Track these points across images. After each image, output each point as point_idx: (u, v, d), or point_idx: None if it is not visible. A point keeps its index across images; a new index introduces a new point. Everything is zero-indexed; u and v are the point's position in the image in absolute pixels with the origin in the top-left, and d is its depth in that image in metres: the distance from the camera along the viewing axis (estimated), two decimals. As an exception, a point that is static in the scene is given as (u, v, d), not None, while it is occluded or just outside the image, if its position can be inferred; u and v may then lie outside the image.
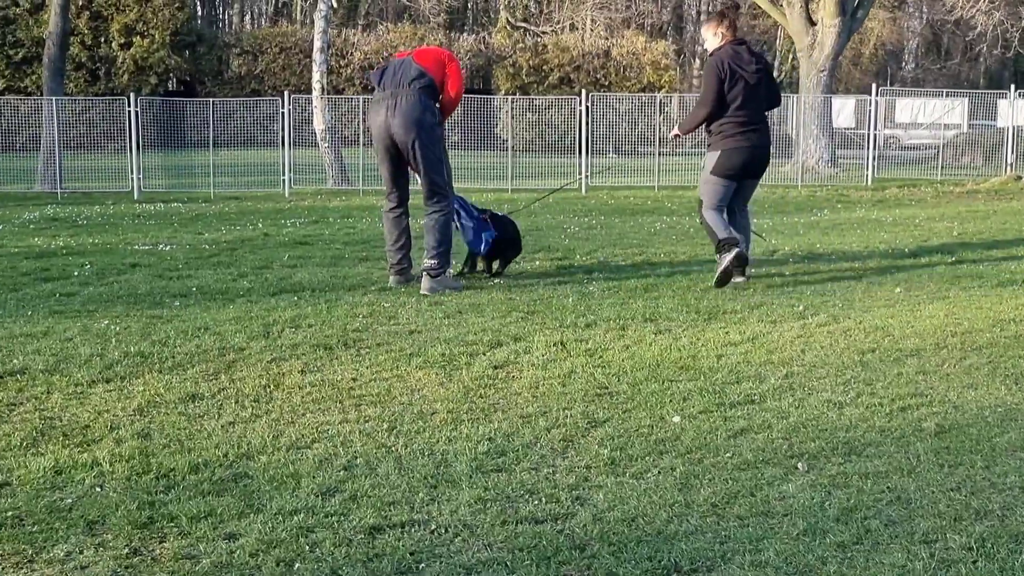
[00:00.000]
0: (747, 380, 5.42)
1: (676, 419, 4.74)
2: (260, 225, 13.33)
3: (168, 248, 10.82)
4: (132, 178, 19.62)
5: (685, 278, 8.61)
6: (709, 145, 8.40)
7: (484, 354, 5.99)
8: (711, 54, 8.38)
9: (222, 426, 4.68)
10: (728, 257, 8.07)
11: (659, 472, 4.09)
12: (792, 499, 3.80)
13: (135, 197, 18.89)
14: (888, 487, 3.91)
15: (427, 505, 3.76)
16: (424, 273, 8.10)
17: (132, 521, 3.57)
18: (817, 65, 23.79)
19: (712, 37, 8.37)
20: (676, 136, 9.15)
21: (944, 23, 51.19)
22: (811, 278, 8.58)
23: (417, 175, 8.29)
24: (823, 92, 23.80)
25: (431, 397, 5.14)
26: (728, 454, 4.28)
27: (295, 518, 3.61)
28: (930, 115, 27.56)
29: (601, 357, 5.92)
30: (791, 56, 51.02)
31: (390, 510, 3.70)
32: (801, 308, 7.28)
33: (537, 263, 9.63)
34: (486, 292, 8.02)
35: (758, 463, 4.17)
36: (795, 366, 5.71)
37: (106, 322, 6.84)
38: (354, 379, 5.47)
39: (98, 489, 3.89)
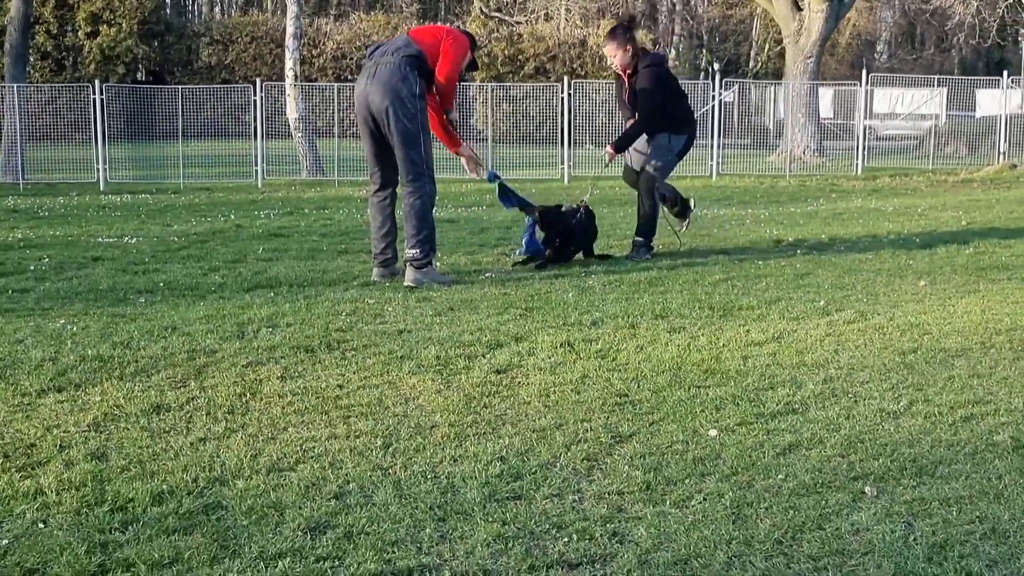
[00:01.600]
0: (782, 385, 4.82)
1: (712, 432, 4.14)
2: (232, 216, 12.67)
3: (134, 241, 10.14)
4: (98, 168, 18.89)
5: (690, 271, 8.01)
6: (673, 128, 8.82)
7: (483, 356, 5.38)
8: (642, 67, 8.62)
9: (191, 443, 4.05)
10: (691, 214, 9.48)
11: (705, 499, 3.48)
12: (868, 532, 3.21)
13: (101, 188, 18.15)
14: (978, 516, 3.31)
15: (437, 544, 3.14)
16: (407, 264, 7.51)
17: (79, 570, 2.93)
18: (804, 51, 23.26)
19: (623, 53, 8.63)
20: (612, 158, 9.07)
21: (920, 12, 50.86)
22: (825, 271, 7.99)
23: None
24: (810, 79, 23.26)
25: (428, 407, 4.52)
26: (781, 475, 3.68)
27: (279, 564, 2.98)
28: (909, 105, 27.02)
29: (614, 359, 5.32)
30: (767, 47, 50.63)
31: (393, 551, 3.08)
32: (823, 303, 6.70)
33: (529, 255, 9.02)
34: (478, 287, 7.40)
35: (818, 487, 3.57)
36: (832, 369, 5.12)
37: (62, 321, 6.18)
38: (340, 386, 4.85)
39: (41, 526, 3.25)
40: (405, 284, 7.42)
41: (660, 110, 8.63)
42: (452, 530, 3.24)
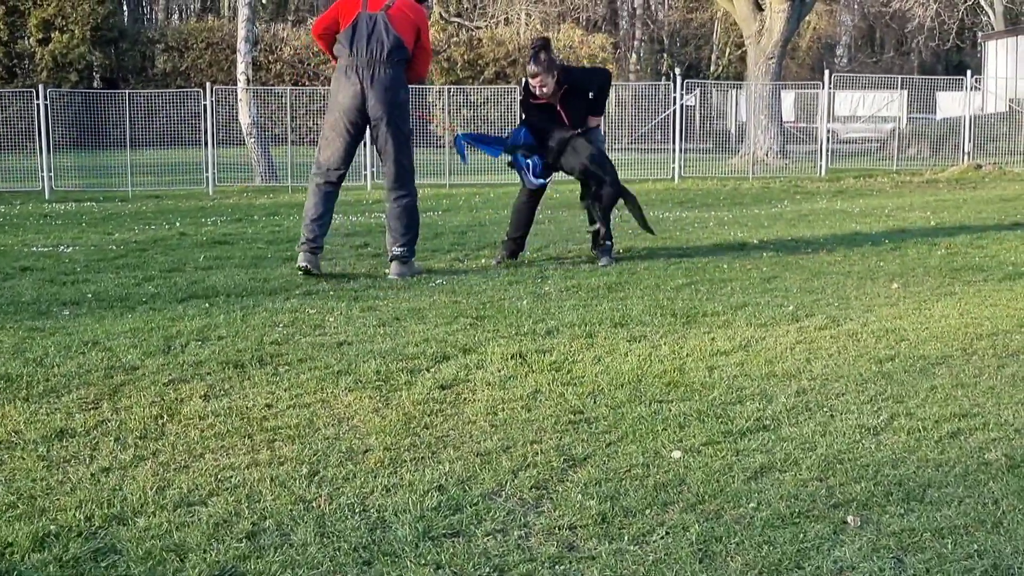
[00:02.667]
0: (751, 399, 4.43)
1: (676, 454, 3.74)
2: (177, 224, 12.16)
3: (69, 250, 9.64)
4: (42, 176, 18.29)
5: (651, 275, 7.62)
6: (598, 126, 8.72)
7: (428, 371, 4.96)
8: (567, 79, 8.38)
9: (92, 474, 3.60)
10: None
11: (667, 533, 3.08)
12: (854, 571, 2.81)
13: (46, 196, 17.57)
14: (976, 550, 2.93)
15: (358, 595, 2.72)
16: (394, 261, 7.78)
17: (-71, 637, 2.50)
18: (765, 52, 22.96)
19: (552, 80, 8.26)
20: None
21: (880, 15, 50.92)
22: (792, 274, 7.62)
23: (380, 156, 7.89)
24: (772, 80, 22.98)
25: (364, 429, 4.10)
26: (752, 504, 3.27)
27: (169, 624, 2.56)
28: (870, 107, 26.76)
29: (569, 372, 4.91)
30: (728, 50, 50.54)
31: (306, 605, 2.66)
32: (792, 308, 6.32)
33: (483, 261, 8.61)
34: (427, 295, 6.98)
35: (795, 516, 3.17)
36: (804, 380, 4.73)
37: (-27, 337, 5.71)
38: (268, 406, 4.41)
39: (-100, 579, 2.80)
40: (391, 277, 7.65)
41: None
42: (377, 576, 2.82)
